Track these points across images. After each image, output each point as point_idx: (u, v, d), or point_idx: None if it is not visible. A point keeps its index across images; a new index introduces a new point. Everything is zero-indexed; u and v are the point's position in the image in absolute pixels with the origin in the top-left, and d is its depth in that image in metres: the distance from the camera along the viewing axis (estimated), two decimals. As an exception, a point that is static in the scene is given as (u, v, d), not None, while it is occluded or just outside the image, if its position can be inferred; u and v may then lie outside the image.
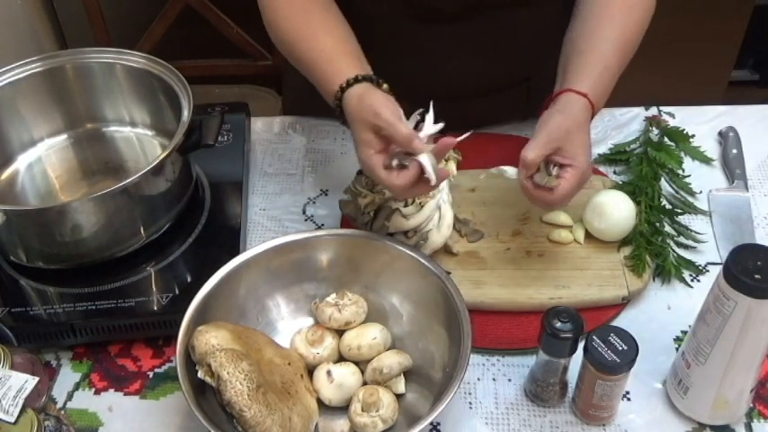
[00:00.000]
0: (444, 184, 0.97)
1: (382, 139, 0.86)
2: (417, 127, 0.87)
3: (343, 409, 0.86)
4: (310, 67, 0.96)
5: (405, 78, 1.00)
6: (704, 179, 1.14)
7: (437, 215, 0.96)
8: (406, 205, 0.95)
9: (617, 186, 1.09)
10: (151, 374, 0.93)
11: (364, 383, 0.87)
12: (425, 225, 0.95)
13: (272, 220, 1.10)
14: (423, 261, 0.90)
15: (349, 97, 0.90)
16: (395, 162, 0.86)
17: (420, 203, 0.95)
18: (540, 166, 0.90)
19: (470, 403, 0.89)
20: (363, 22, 1.01)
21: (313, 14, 0.98)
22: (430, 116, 0.88)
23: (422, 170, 0.85)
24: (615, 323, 0.94)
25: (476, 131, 1.20)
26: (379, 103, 0.86)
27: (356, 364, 0.89)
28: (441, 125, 0.88)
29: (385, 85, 0.92)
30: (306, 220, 1.10)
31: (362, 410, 0.83)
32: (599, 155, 1.18)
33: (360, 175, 0.99)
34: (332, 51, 0.95)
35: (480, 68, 1.11)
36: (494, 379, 0.92)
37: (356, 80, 0.90)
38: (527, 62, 1.13)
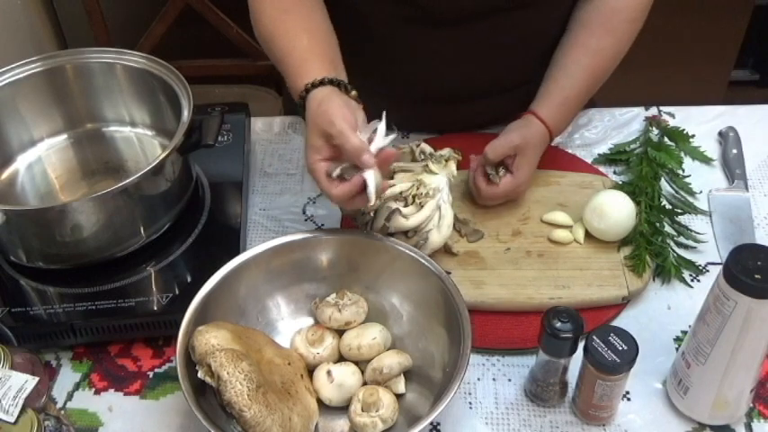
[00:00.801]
0: (444, 184, 0.97)
1: (333, 147, 0.86)
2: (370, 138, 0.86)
3: (343, 409, 0.86)
4: (283, 65, 0.96)
5: (405, 81, 1.00)
6: (704, 179, 1.14)
7: (437, 215, 0.96)
8: (405, 205, 0.95)
9: (617, 186, 1.09)
10: (151, 374, 0.93)
11: (364, 383, 0.87)
12: (425, 225, 0.95)
13: (272, 220, 1.10)
14: (423, 261, 0.90)
15: (311, 99, 0.89)
16: (336, 171, 0.86)
17: (420, 203, 0.95)
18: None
19: (470, 403, 0.89)
20: (365, 26, 1.01)
21: (294, 14, 0.98)
22: (381, 127, 0.87)
23: (364, 185, 0.85)
24: (615, 323, 0.94)
25: (475, 132, 1.20)
26: (335, 111, 0.85)
27: (356, 364, 0.89)
28: (392, 137, 0.87)
29: (353, 92, 0.91)
30: (306, 220, 1.10)
31: (362, 410, 0.83)
32: (599, 155, 1.18)
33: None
34: (305, 51, 0.95)
35: (481, 72, 1.11)
36: (494, 379, 0.92)
37: (321, 82, 0.89)
38: (527, 65, 1.13)
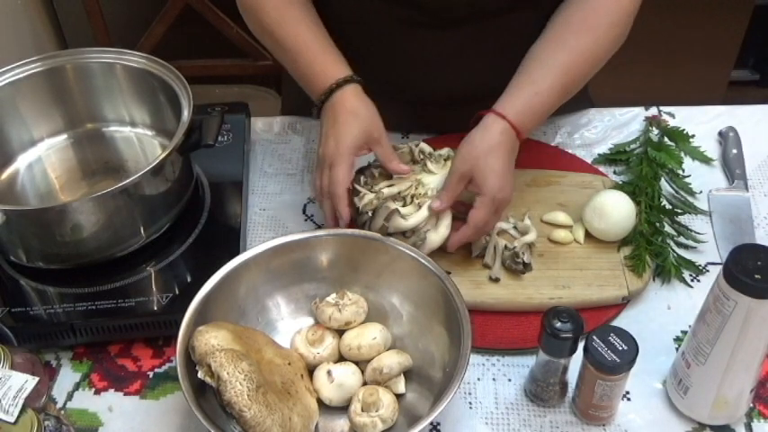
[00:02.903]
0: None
1: (365, 146, 0.95)
2: None
3: (343, 409, 0.86)
4: (296, 54, 0.99)
5: (403, 84, 1.00)
6: (704, 179, 1.14)
7: (435, 215, 0.96)
8: (404, 205, 0.95)
9: (617, 186, 1.09)
10: (151, 374, 0.93)
11: (364, 383, 0.87)
12: (423, 225, 0.95)
13: (272, 220, 1.10)
14: (423, 261, 0.90)
15: (343, 95, 0.93)
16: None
17: (418, 203, 0.95)
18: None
19: (470, 403, 0.89)
20: (363, 28, 1.01)
21: (298, 7, 1.01)
22: None
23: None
24: (615, 323, 0.94)
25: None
26: (378, 121, 0.95)
27: (356, 364, 0.89)
28: None
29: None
30: (306, 220, 1.10)
31: (362, 410, 0.83)
32: (599, 155, 1.18)
33: (358, 175, 0.99)
34: (321, 44, 0.98)
35: (480, 73, 1.11)
36: (494, 379, 0.92)
37: (352, 79, 0.94)
38: None
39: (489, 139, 0.93)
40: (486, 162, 0.92)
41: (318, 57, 0.98)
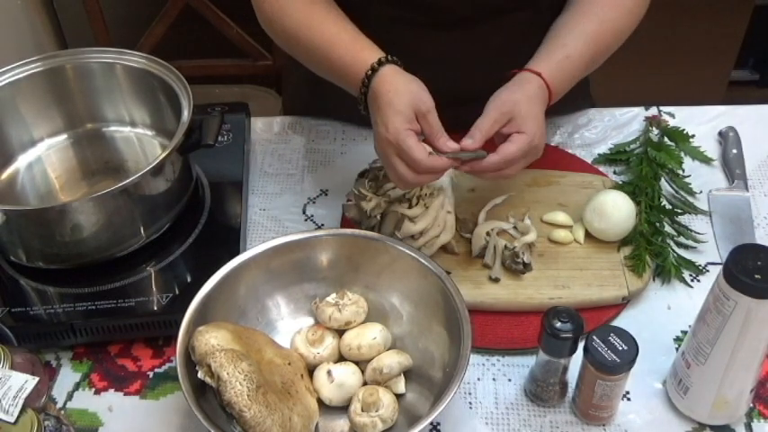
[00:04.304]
0: (447, 184, 0.97)
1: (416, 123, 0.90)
2: None
3: (344, 409, 0.86)
4: (327, 49, 0.97)
5: None
6: (704, 179, 1.14)
7: (442, 214, 0.96)
8: (410, 206, 0.95)
9: (617, 186, 1.09)
10: (151, 374, 0.93)
11: (364, 383, 0.87)
12: (431, 227, 0.95)
13: (272, 220, 1.10)
14: (423, 261, 0.90)
15: (383, 75, 0.91)
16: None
17: (425, 204, 0.95)
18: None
19: (470, 403, 0.89)
20: (371, 28, 1.01)
21: (322, 5, 0.99)
22: None
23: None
24: (615, 323, 0.94)
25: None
26: (424, 93, 0.90)
27: (356, 363, 0.89)
28: None
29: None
30: (306, 220, 1.10)
31: (362, 410, 0.83)
32: (599, 155, 1.18)
33: (362, 178, 0.99)
34: (353, 34, 0.96)
35: (479, 73, 1.11)
36: (494, 379, 0.92)
37: (387, 61, 0.92)
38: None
39: (528, 89, 0.94)
40: (527, 106, 0.92)
41: (349, 47, 0.95)
